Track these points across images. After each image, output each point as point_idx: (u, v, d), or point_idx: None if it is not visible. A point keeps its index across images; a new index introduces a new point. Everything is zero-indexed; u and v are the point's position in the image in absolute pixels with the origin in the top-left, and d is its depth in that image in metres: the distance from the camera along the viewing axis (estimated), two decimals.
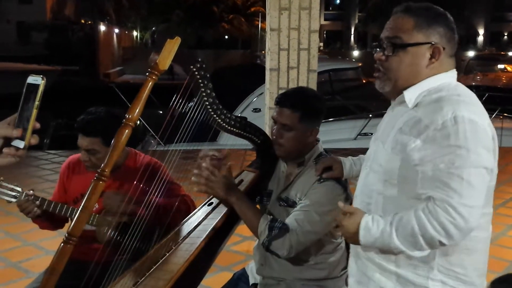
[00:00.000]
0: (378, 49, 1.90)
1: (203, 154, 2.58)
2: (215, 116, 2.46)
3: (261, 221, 2.33)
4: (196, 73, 2.34)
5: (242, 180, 2.67)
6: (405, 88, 1.85)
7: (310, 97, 2.53)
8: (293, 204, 2.46)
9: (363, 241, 1.79)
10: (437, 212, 1.65)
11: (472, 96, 1.82)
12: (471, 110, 1.72)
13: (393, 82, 1.87)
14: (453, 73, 1.89)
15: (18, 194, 2.69)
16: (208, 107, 2.42)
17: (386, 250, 1.84)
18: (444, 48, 1.83)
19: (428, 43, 1.82)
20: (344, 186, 2.40)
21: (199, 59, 2.35)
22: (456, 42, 1.88)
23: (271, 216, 2.39)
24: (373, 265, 1.91)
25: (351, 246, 2.05)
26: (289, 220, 2.36)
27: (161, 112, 9.91)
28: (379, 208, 1.88)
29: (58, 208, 2.74)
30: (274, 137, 2.49)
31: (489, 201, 1.85)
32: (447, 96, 1.77)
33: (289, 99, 2.46)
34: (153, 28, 41.31)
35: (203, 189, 2.34)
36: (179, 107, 2.30)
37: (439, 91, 1.80)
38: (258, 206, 2.73)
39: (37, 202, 2.70)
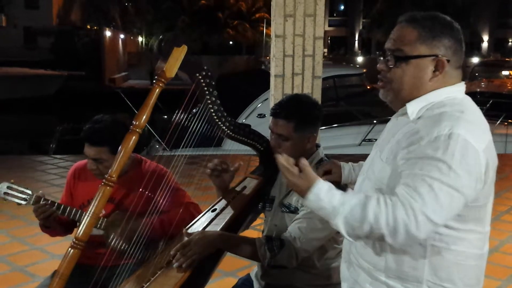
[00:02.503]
0: (381, 58, 1.86)
1: (212, 165, 2.60)
2: (219, 123, 2.47)
3: (258, 245, 2.33)
4: (202, 80, 2.36)
5: (245, 187, 2.68)
6: (408, 100, 1.82)
7: (304, 105, 2.53)
8: (295, 210, 2.47)
9: (306, 203, 1.76)
10: (397, 208, 1.61)
11: (476, 114, 1.77)
12: (470, 129, 1.67)
13: (396, 93, 1.84)
14: (460, 87, 1.83)
15: (28, 197, 2.70)
16: (213, 114, 2.43)
17: (375, 259, 1.85)
18: (448, 61, 1.77)
19: (431, 55, 1.77)
20: (344, 190, 2.41)
21: (205, 67, 2.36)
22: (463, 53, 1.82)
23: (264, 236, 2.39)
24: (364, 274, 1.90)
25: (343, 251, 2.04)
26: (292, 228, 2.37)
27: (165, 117, 9.95)
28: None
29: (67, 211, 2.75)
30: (273, 146, 2.52)
31: (483, 221, 1.80)
32: (449, 112, 1.72)
33: (283, 109, 2.47)
34: (160, 37, 41.40)
35: (190, 262, 2.22)
36: (184, 113, 2.33)
37: (442, 106, 1.76)
38: (262, 213, 2.75)
39: (49, 203, 2.72)
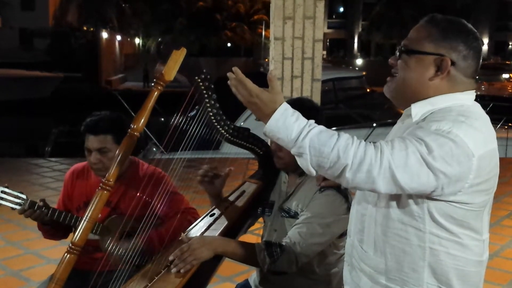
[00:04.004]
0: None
1: (202, 172, 2.60)
2: (218, 127, 2.45)
3: (257, 251, 2.30)
4: (201, 84, 2.33)
5: (244, 192, 2.67)
6: (408, 97, 1.80)
7: (307, 109, 2.51)
8: (295, 215, 2.45)
9: (270, 123, 1.68)
10: (369, 146, 1.59)
11: (482, 122, 1.73)
12: (470, 133, 1.64)
13: (396, 86, 1.82)
14: (470, 95, 1.79)
15: (23, 202, 2.67)
16: (212, 118, 2.41)
17: (375, 262, 1.82)
18: (454, 63, 1.74)
19: (435, 54, 1.74)
20: (345, 195, 2.39)
21: (204, 70, 2.33)
22: (477, 64, 1.78)
23: (263, 241, 2.36)
24: (366, 278, 1.88)
25: (346, 254, 2.03)
26: (292, 233, 2.35)
27: (163, 119, 9.94)
28: (372, 220, 1.84)
29: (62, 216, 2.72)
30: (273, 150, 2.49)
31: (481, 228, 1.78)
32: (454, 116, 1.69)
33: None
34: (159, 39, 41.58)
35: (188, 267, 2.20)
36: (183, 116, 2.30)
37: (448, 111, 1.72)
38: (262, 218, 2.72)
39: (45, 210, 2.68)
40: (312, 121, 1.67)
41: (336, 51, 50.99)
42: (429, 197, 1.67)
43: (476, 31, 1.79)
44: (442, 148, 1.59)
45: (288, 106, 1.71)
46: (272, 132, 1.69)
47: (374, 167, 1.58)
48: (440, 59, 1.74)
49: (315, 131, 1.64)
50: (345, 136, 1.62)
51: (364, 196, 1.91)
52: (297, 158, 1.68)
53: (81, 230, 2.03)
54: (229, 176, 2.66)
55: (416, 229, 1.73)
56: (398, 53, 1.82)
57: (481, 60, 1.80)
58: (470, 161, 1.62)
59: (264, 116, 1.71)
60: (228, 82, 1.77)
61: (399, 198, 1.74)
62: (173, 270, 2.19)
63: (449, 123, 1.65)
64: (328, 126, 2.54)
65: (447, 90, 1.76)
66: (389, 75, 1.87)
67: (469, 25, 1.79)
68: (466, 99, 1.78)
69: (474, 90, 1.82)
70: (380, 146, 1.60)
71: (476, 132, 1.66)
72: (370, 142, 1.63)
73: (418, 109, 1.78)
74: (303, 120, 1.67)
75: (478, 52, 1.77)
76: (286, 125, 1.66)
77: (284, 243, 2.31)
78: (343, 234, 2.36)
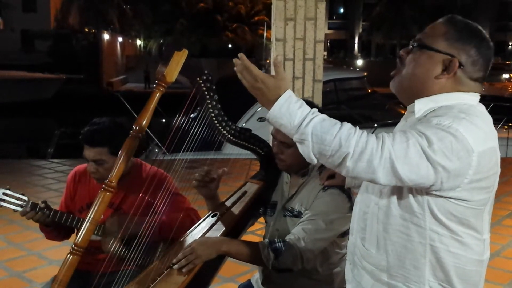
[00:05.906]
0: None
1: (199, 177, 2.59)
2: (220, 128, 2.45)
3: (261, 248, 2.30)
4: (202, 84, 2.34)
5: (245, 192, 2.67)
6: (412, 92, 1.81)
7: None
8: (298, 215, 2.45)
9: (275, 109, 1.68)
10: (371, 136, 1.61)
11: (483, 120, 1.73)
12: (470, 129, 1.64)
13: (402, 79, 1.83)
14: (474, 96, 1.79)
15: (24, 204, 2.67)
16: (214, 118, 2.41)
17: (376, 259, 1.83)
18: (461, 66, 1.75)
19: (447, 53, 1.75)
20: (348, 195, 2.40)
21: (206, 71, 2.34)
22: (485, 71, 1.79)
23: (266, 240, 2.37)
24: (367, 275, 1.89)
25: (348, 253, 2.03)
26: (296, 230, 2.36)
27: (164, 120, 9.93)
28: (374, 217, 1.85)
29: (63, 218, 2.72)
30: (275, 152, 2.50)
31: (481, 227, 1.78)
32: (454, 113, 1.70)
33: None
34: (161, 41, 41.54)
35: (191, 267, 2.20)
36: (184, 117, 2.30)
37: (450, 108, 1.73)
38: (262, 217, 2.73)
39: (46, 212, 2.69)
40: (315, 109, 1.68)
41: (337, 51, 50.90)
42: (429, 192, 1.68)
43: (490, 40, 1.80)
44: (442, 141, 1.60)
45: (292, 93, 1.71)
46: (275, 118, 1.69)
47: (375, 157, 1.58)
48: (448, 60, 1.75)
49: (318, 118, 1.64)
50: (347, 125, 1.63)
51: (366, 194, 1.92)
52: (298, 145, 1.68)
53: (84, 231, 2.04)
54: (223, 176, 2.65)
55: (417, 225, 1.74)
56: (411, 47, 1.82)
57: (489, 70, 1.81)
58: (470, 157, 1.63)
59: (268, 102, 1.71)
60: (234, 68, 1.77)
61: (400, 194, 1.74)
62: (175, 269, 2.20)
63: (450, 119, 1.65)
64: None
65: (451, 90, 1.77)
66: (392, 73, 1.88)
67: (486, 33, 1.80)
68: (470, 99, 1.78)
69: (479, 93, 1.81)
70: (381, 137, 1.61)
71: (476, 129, 1.66)
72: (372, 133, 1.64)
73: (421, 106, 1.79)
74: (306, 107, 1.67)
75: (488, 60, 1.78)
76: (290, 112, 1.67)
77: (288, 239, 2.32)
78: (346, 233, 2.36)
